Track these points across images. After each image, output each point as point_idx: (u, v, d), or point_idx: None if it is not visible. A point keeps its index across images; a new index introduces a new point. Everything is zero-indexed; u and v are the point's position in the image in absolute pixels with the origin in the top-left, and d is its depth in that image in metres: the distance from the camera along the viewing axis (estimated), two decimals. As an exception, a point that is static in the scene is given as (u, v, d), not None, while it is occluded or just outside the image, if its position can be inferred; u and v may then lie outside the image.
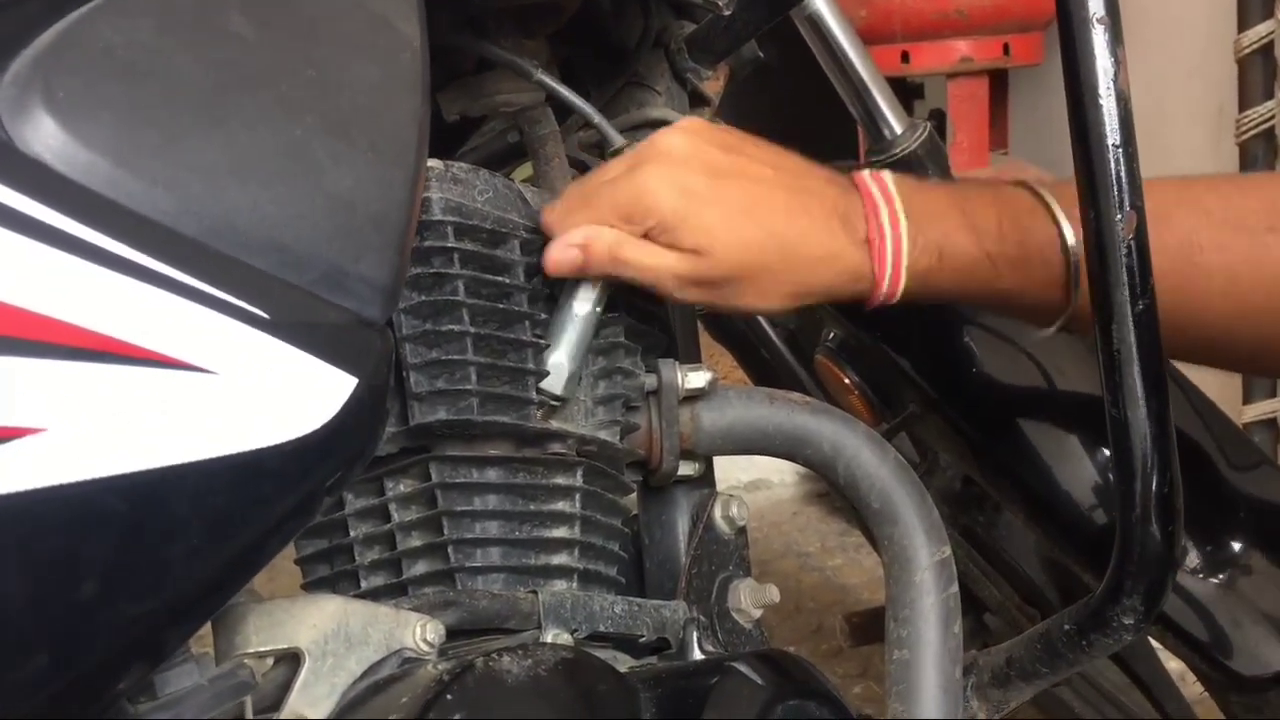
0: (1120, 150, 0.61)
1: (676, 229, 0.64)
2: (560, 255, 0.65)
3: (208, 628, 0.48)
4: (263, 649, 0.48)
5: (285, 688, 0.48)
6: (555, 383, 0.64)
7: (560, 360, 0.65)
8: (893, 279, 0.67)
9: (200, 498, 0.36)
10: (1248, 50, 1.69)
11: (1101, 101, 0.61)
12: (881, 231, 0.67)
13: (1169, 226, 0.67)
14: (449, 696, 0.45)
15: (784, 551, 2.19)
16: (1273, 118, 1.68)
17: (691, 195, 0.65)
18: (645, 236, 0.66)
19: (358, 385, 0.41)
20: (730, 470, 2.57)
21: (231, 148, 0.40)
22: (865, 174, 0.70)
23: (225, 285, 0.38)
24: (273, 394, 0.38)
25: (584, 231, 0.65)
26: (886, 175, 0.70)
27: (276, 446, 0.38)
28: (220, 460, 0.36)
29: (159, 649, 0.39)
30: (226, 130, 0.41)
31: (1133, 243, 0.61)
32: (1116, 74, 0.61)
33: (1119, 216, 0.60)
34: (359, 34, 0.47)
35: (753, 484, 2.42)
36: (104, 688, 0.37)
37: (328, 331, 0.41)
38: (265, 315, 0.38)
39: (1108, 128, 0.61)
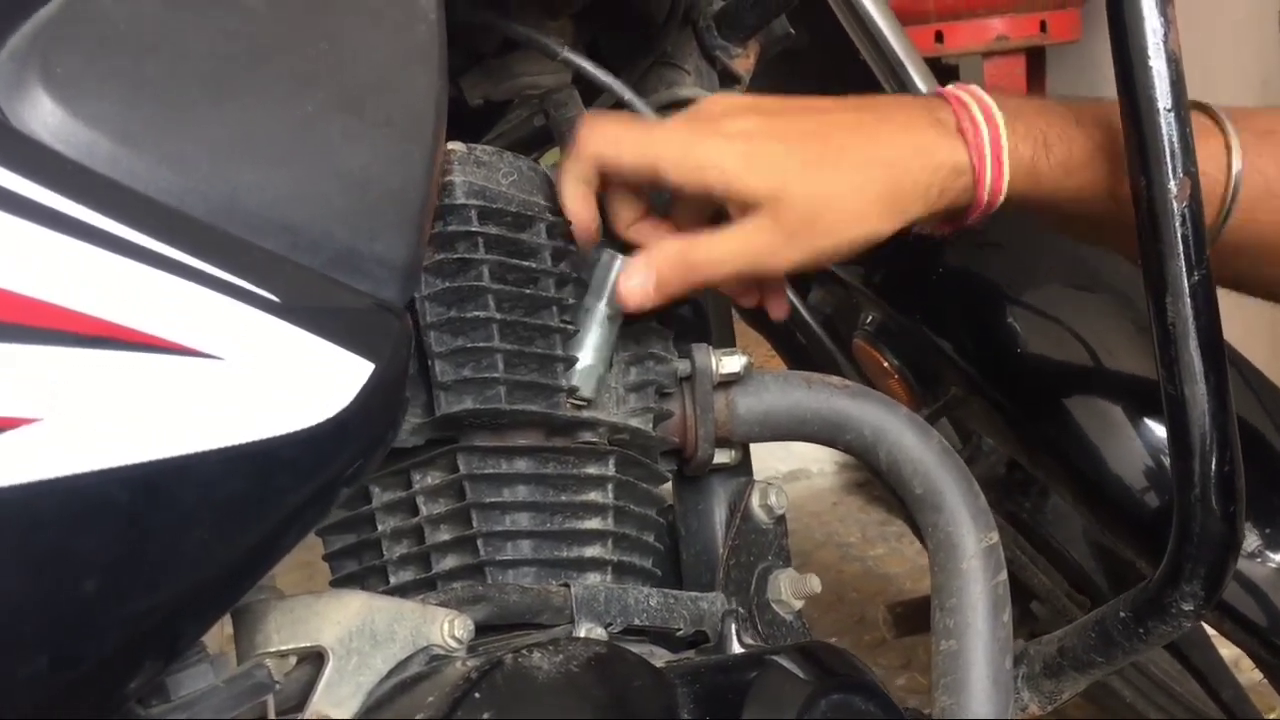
0: (1172, 114, 0.58)
1: (741, 173, 0.59)
2: (627, 287, 0.61)
3: (230, 628, 0.47)
4: (285, 648, 0.46)
5: (309, 687, 0.47)
6: (581, 383, 0.62)
7: (586, 359, 0.63)
8: (995, 170, 0.62)
9: (207, 489, 0.34)
10: (1294, 19, 1.65)
11: (1151, 63, 0.58)
12: (974, 120, 0.62)
13: (1274, 140, 0.64)
14: (477, 695, 0.43)
15: (824, 542, 2.17)
16: (1321, 88, 1.63)
17: (750, 137, 0.61)
18: (708, 203, 0.62)
19: (375, 370, 0.39)
20: (768, 460, 2.55)
21: (239, 124, 0.39)
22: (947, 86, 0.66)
23: (232, 267, 0.36)
24: (284, 380, 0.36)
25: (644, 256, 0.62)
26: (971, 84, 0.65)
27: (289, 435, 0.36)
28: (228, 450, 0.34)
29: (169, 647, 0.37)
30: (234, 106, 0.39)
31: (1187, 210, 0.58)
32: (1167, 34, 0.58)
33: (1172, 183, 0.58)
34: (372, 5, 0.45)
35: (791, 474, 2.40)
36: (112, 687, 0.36)
37: (343, 315, 0.39)
38: (275, 298, 0.37)
39: (1158, 90, 0.58)
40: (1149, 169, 0.58)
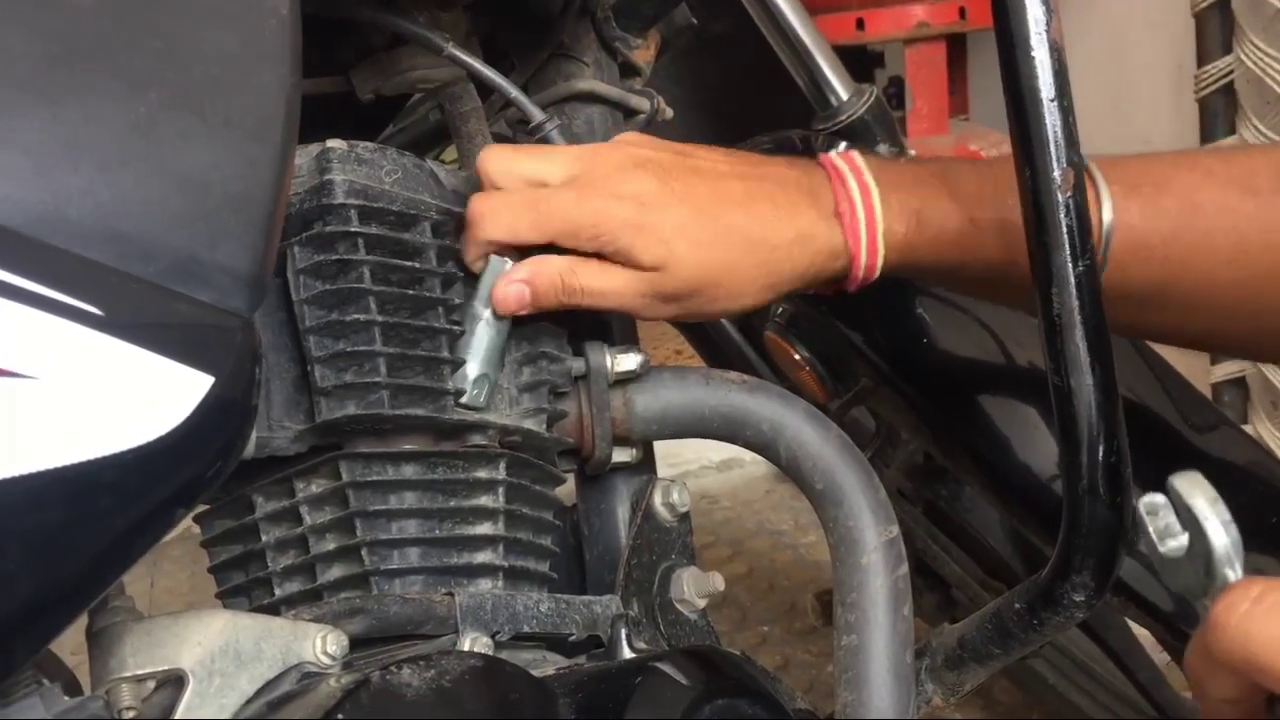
0: (1055, 104, 0.58)
1: (633, 244, 0.61)
2: (504, 293, 0.62)
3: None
4: (141, 672, 0.44)
5: (169, 712, 0.45)
6: (469, 388, 0.61)
7: (474, 365, 0.62)
8: (870, 250, 0.64)
9: (20, 516, 0.32)
10: (1204, 4, 1.66)
11: (1034, 53, 0.58)
12: (851, 201, 0.64)
13: (1169, 190, 0.64)
14: (340, 716, 0.41)
15: (757, 530, 2.17)
16: (1231, 72, 1.65)
17: (644, 203, 0.62)
18: (598, 255, 0.62)
19: (214, 384, 0.37)
20: (702, 450, 2.54)
21: (62, 127, 0.37)
22: (829, 153, 0.67)
23: (50, 281, 0.34)
24: (108, 399, 0.34)
25: (528, 266, 0.62)
26: (852, 152, 0.67)
27: (113, 457, 0.34)
28: (42, 475, 0.32)
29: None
30: (56, 109, 0.37)
31: (1071, 201, 0.57)
32: (1049, 23, 0.58)
33: (1056, 173, 0.57)
34: (214, 1, 0.43)
35: (724, 463, 2.40)
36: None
37: (178, 327, 0.37)
38: (99, 312, 0.35)
39: (1041, 81, 0.58)
40: (1033, 160, 0.57)
